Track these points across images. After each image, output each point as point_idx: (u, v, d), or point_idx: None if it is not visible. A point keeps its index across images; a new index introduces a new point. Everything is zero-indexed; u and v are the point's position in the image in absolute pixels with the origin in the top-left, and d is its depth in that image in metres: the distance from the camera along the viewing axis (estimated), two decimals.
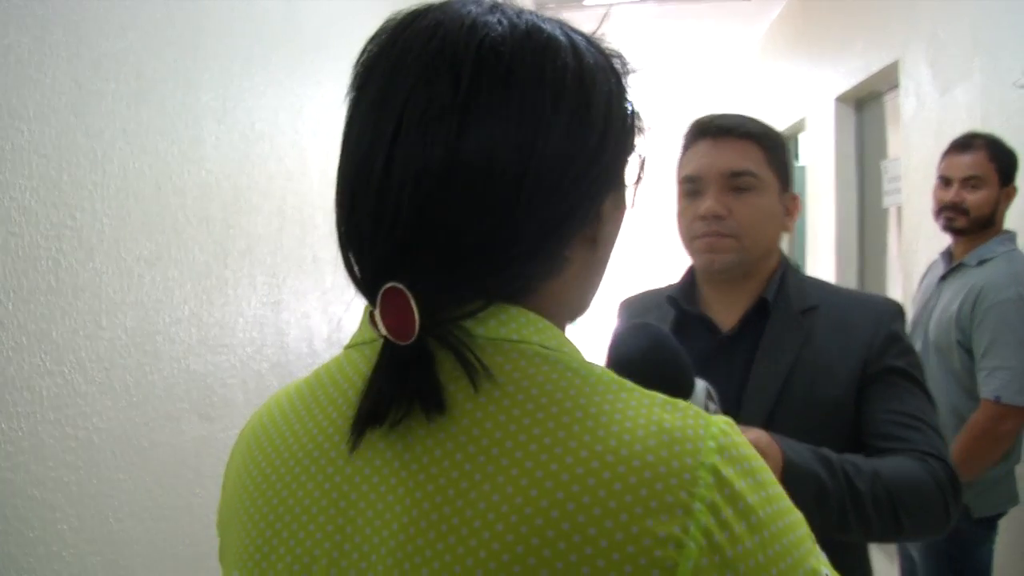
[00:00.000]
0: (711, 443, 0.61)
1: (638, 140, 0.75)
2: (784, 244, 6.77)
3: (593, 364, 0.68)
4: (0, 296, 1.28)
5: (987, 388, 2.51)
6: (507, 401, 0.63)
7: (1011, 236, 2.72)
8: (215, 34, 1.98)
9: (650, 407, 0.64)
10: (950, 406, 2.64)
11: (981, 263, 2.64)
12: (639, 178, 0.77)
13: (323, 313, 2.82)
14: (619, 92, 0.73)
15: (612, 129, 0.69)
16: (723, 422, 0.64)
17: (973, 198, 2.67)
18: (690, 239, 1.53)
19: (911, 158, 3.99)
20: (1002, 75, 3.15)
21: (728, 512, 0.60)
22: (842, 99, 5.13)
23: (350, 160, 0.68)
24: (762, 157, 1.49)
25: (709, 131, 1.52)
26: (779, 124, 6.63)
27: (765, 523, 0.61)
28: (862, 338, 1.44)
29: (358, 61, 0.70)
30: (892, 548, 3.74)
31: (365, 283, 0.66)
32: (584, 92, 0.67)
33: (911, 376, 1.44)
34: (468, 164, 0.62)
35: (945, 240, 2.91)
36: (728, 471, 0.61)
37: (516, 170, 0.63)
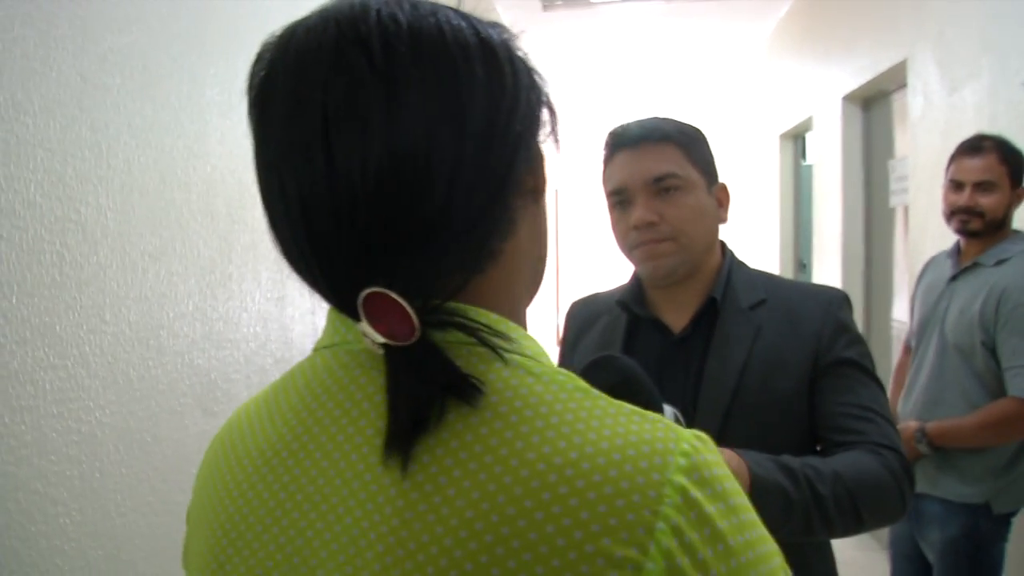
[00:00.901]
0: (681, 460, 0.58)
1: (544, 87, 0.74)
2: (789, 243, 6.79)
3: (556, 368, 0.66)
4: (4, 290, 1.28)
5: (1017, 386, 2.51)
6: (463, 408, 0.61)
7: (1023, 235, 2.72)
8: (220, 29, 1.98)
9: (616, 416, 0.61)
10: (973, 408, 2.64)
11: (999, 263, 2.64)
12: (555, 122, 0.75)
13: (327, 309, 2.81)
14: (510, 43, 0.71)
15: (520, 73, 0.69)
16: (695, 437, 0.61)
17: (987, 201, 2.67)
18: (629, 249, 1.54)
19: (918, 158, 3.97)
20: (1010, 75, 3.14)
21: (694, 536, 0.56)
22: (849, 98, 5.11)
23: (282, 175, 0.64)
24: (682, 156, 1.51)
25: (625, 141, 1.53)
26: (786, 123, 6.62)
27: (735, 552, 0.58)
28: (811, 329, 1.46)
29: (251, 87, 0.67)
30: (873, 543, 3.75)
31: (340, 297, 0.63)
32: (485, 43, 0.66)
33: (861, 367, 1.46)
34: (407, 137, 0.60)
35: (951, 240, 2.90)
36: (697, 492, 0.57)
37: (453, 130, 0.62)
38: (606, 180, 1.57)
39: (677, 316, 1.55)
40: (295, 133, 0.62)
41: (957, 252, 2.84)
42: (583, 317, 1.72)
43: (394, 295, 0.59)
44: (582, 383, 0.64)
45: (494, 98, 0.65)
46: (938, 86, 3.76)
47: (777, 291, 1.53)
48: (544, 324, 10.94)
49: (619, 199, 1.53)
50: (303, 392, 0.69)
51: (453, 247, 0.63)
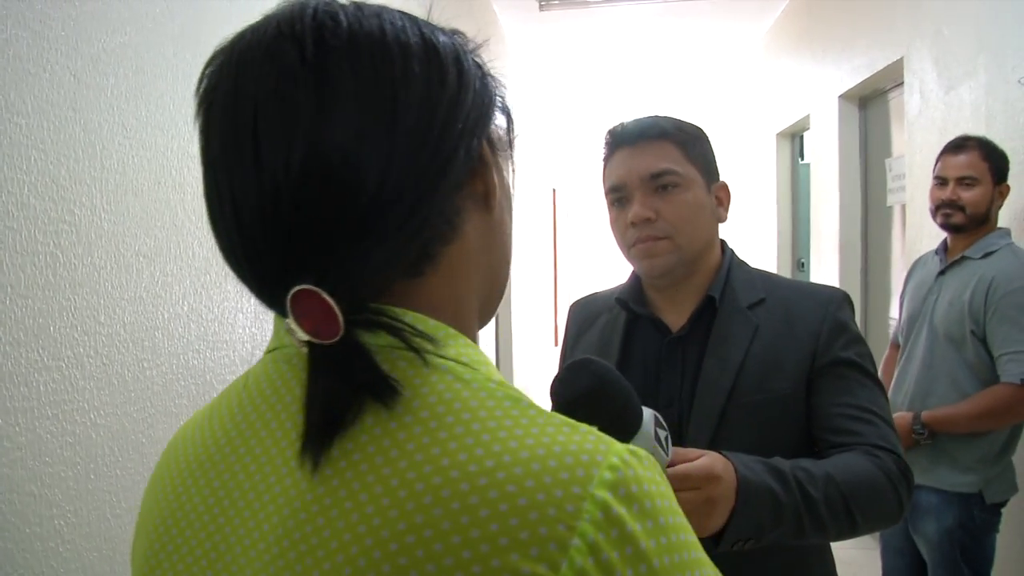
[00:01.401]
0: (607, 474, 0.55)
1: (499, 94, 0.73)
2: (787, 242, 6.79)
3: (491, 376, 0.64)
4: None
5: (1010, 372, 2.56)
6: (384, 412, 0.59)
7: (1008, 231, 2.81)
8: (214, 30, 1.98)
9: (543, 426, 0.58)
10: (965, 397, 2.69)
11: (986, 255, 2.71)
12: (511, 136, 0.75)
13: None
14: (463, 48, 0.70)
15: (467, 75, 0.67)
16: (626, 451, 0.57)
17: (969, 195, 2.76)
18: (627, 247, 1.54)
19: (915, 156, 3.98)
20: (1007, 73, 3.14)
21: (613, 555, 0.53)
22: (846, 97, 5.12)
23: (218, 171, 0.63)
24: (680, 154, 1.50)
25: (624, 139, 1.53)
26: (784, 122, 6.62)
27: (659, 573, 0.54)
28: (809, 329, 1.45)
29: (197, 90, 0.66)
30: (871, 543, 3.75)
31: (269, 293, 0.62)
32: (428, 43, 0.65)
33: (861, 367, 1.45)
34: (336, 134, 0.59)
35: (941, 239, 2.96)
36: (620, 509, 0.54)
37: (384, 127, 0.61)
38: (605, 178, 1.57)
39: (676, 315, 1.55)
40: (229, 128, 0.62)
41: (944, 249, 2.93)
42: (583, 316, 1.72)
43: (322, 293, 0.57)
44: (515, 392, 0.61)
45: (432, 94, 0.63)
46: (935, 85, 3.77)
47: (776, 290, 1.52)
48: (542, 325, 10.95)
49: (617, 196, 1.53)
50: (241, 395, 0.68)
51: (383, 247, 0.61)
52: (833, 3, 5.33)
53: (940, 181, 2.85)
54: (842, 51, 5.09)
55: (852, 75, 4.89)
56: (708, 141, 1.58)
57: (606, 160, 1.57)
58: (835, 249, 5.29)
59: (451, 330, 0.66)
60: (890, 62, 4.29)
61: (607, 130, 1.58)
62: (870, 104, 5.07)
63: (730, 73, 8.84)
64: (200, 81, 0.66)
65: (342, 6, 0.65)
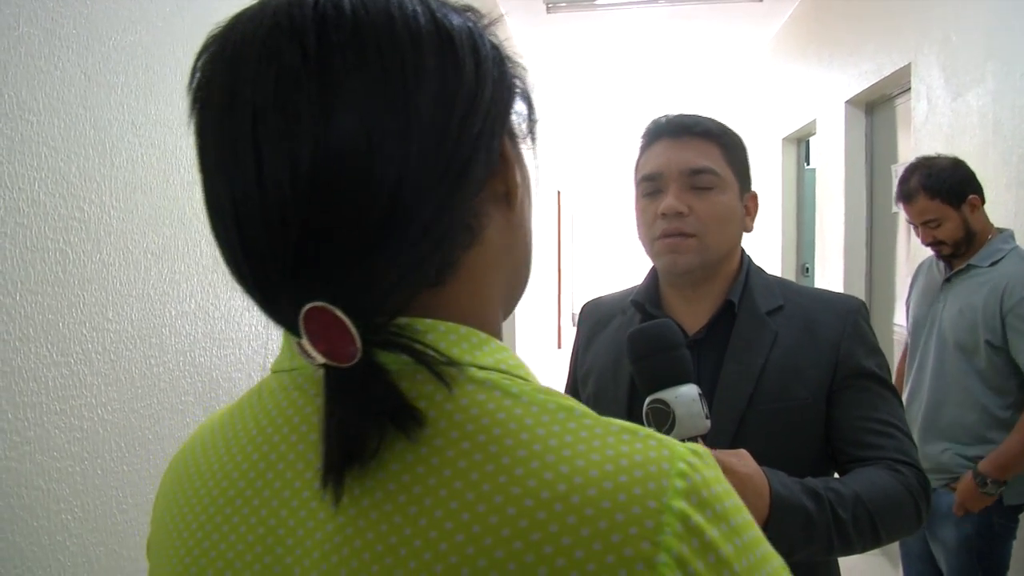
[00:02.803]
0: (678, 482, 0.53)
1: (518, 81, 0.68)
2: (792, 247, 6.79)
3: (537, 385, 0.60)
4: (7, 287, 1.28)
5: None
6: (428, 429, 0.56)
7: (1011, 234, 2.78)
8: None
9: (603, 436, 0.55)
10: (978, 406, 2.67)
11: (994, 263, 2.68)
12: (532, 123, 0.70)
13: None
14: (478, 31, 0.64)
15: (484, 64, 0.62)
16: (690, 454, 0.55)
17: (940, 232, 2.79)
18: (651, 240, 1.51)
19: None
20: (1015, 79, 3.14)
21: (699, 565, 0.51)
22: (853, 102, 5.11)
23: (216, 179, 0.59)
24: (721, 156, 1.49)
25: (668, 130, 1.51)
26: (790, 126, 6.62)
27: None
28: (829, 338, 1.45)
29: (189, 86, 0.61)
30: (896, 553, 3.73)
31: (279, 311, 0.58)
32: (442, 30, 0.60)
33: (881, 379, 1.45)
34: (343, 138, 0.54)
35: None
36: (698, 517, 0.52)
37: (396, 128, 0.55)
38: (641, 166, 1.54)
39: (692, 318, 1.53)
40: (226, 133, 0.57)
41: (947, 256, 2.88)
42: (596, 318, 1.70)
43: (336, 311, 0.53)
44: (565, 400, 0.58)
45: (448, 92, 0.58)
46: (942, 91, 3.76)
47: (794, 297, 1.51)
48: (546, 329, 10.94)
49: (651, 186, 1.50)
50: (260, 419, 0.64)
51: (402, 258, 0.56)
52: (840, 8, 5.33)
53: (912, 224, 2.91)
54: (849, 56, 5.09)
55: (859, 80, 4.88)
56: (747, 151, 1.57)
57: (643, 148, 1.55)
58: (840, 254, 5.29)
59: (483, 335, 0.62)
60: (897, 68, 4.29)
61: (651, 120, 1.55)
62: (877, 110, 5.07)
63: (737, 77, 8.84)
64: (192, 73, 0.61)
65: None
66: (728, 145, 1.51)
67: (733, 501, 0.56)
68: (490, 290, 0.66)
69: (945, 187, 2.77)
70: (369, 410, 0.54)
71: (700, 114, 1.54)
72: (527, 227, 0.71)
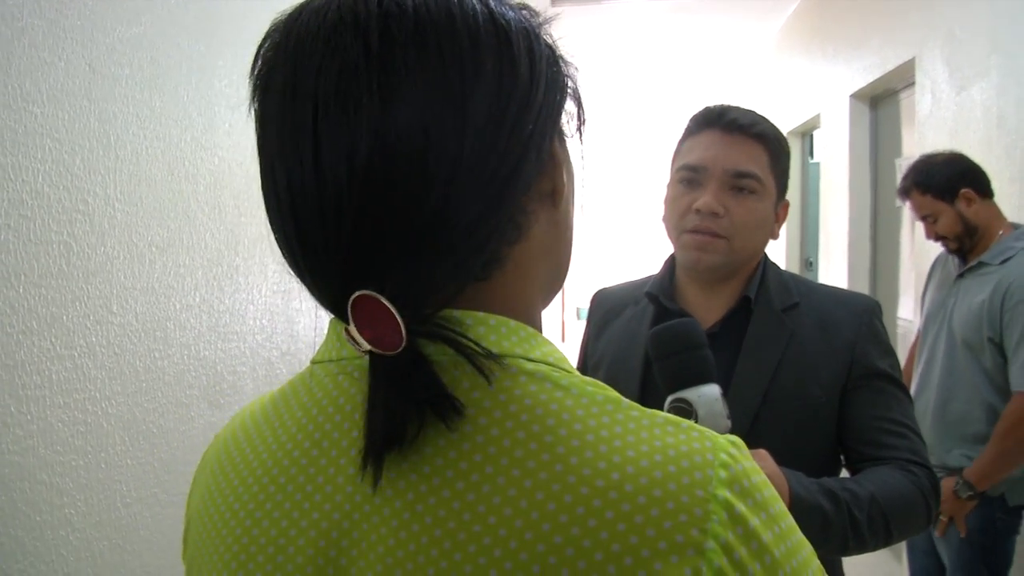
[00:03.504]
0: (722, 472, 0.56)
1: (569, 81, 0.69)
2: (796, 241, 6.78)
3: (584, 378, 0.62)
4: (11, 280, 1.28)
5: (1021, 380, 2.52)
6: (484, 419, 0.58)
7: None
8: (229, 21, 1.98)
9: (650, 428, 0.58)
10: (984, 404, 2.68)
11: (1004, 261, 2.67)
12: (581, 120, 0.71)
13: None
14: (534, 31, 0.65)
15: (539, 65, 0.63)
16: (730, 445, 0.58)
17: (940, 227, 2.82)
18: (679, 231, 1.49)
19: None
20: (1019, 74, 3.13)
21: (742, 551, 0.54)
22: (857, 96, 5.10)
23: (275, 167, 0.61)
24: (767, 161, 1.47)
25: (720, 123, 1.48)
26: (794, 120, 6.61)
27: (780, 563, 0.56)
28: (845, 337, 1.44)
29: (252, 72, 0.63)
30: (900, 548, 3.73)
31: (330, 297, 0.60)
32: (500, 30, 0.61)
33: (894, 379, 1.45)
34: (400, 132, 0.56)
35: None
36: (741, 506, 0.55)
37: (452, 125, 0.57)
38: (683, 152, 1.52)
39: (707, 312, 1.52)
40: (287, 122, 0.59)
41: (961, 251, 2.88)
42: (608, 307, 1.69)
43: (384, 300, 0.55)
44: (611, 393, 0.60)
45: (503, 92, 0.60)
46: (947, 85, 3.75)
47: (810, 295, 1.51)
48: (548, 322, 10.93)
49: (691, 176, 1.48)
50: (308, 406, 0.65)
51: (451, 252, 0.58)
52: (845, 2, 5.32)
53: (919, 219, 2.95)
54: (854, 50, 5.07)
55: (863, 74, 4.87)
56: (790, 157, 1.55)
57: (691, 133, 1.52)
58: (844, 248, 5.28)
59: (530, 329, 0.64)
60: (902, 62, 4.28)
61: (704, 107, 1.53)
62: (881, 104, 5.06)
63: (741, 71, 8.83)
64: (255, 60, 0.63)
65: None
66: (776, 151, 1.49)
67: (770, 491, 0.59)
68: (533, 285, 0.68)
69: (935, 182, 2.80)
70: (411, 397, 0.56)
71: (754, 111, 1.51)
72: (570, 225, 0.73)
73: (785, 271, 1.58)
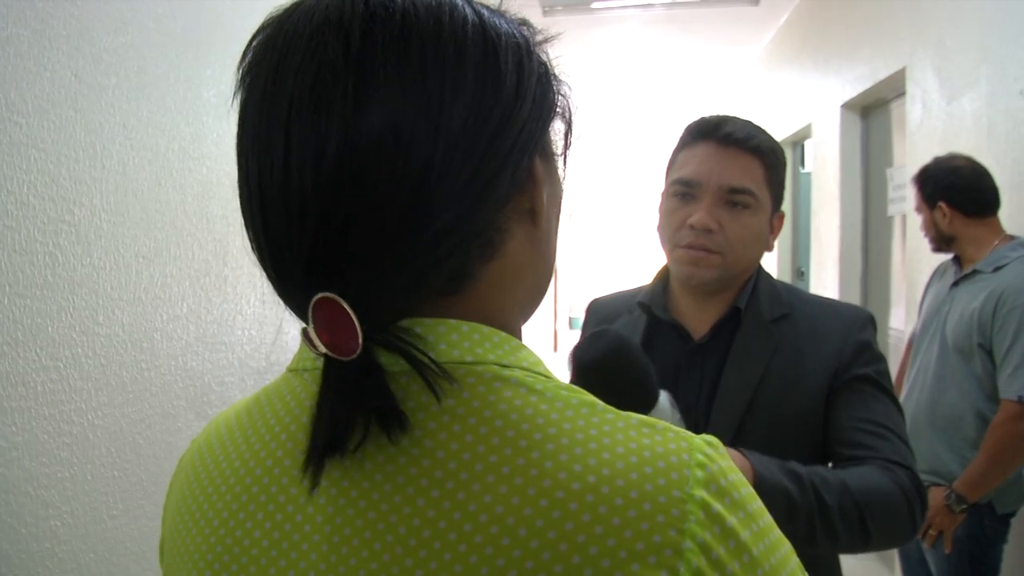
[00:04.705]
0: (698, 472, 0.55)
1: (560, 100, 0.68)
2: (787, 251, 6.79)
3: (559, 382, 0.62)
4: None
5: (1010, 388, 2.54)
6: (458, 426, 0.57)
7: (1021, 241, 2.79)
8: (217, 30, 1.98)
9: (626, 430, 0.57)
10: (974, 410, 2.69)
11: (997, 269, 2.71)
12: (568, 143, 0.70)
13: None
14: (528, 48, 0.65)
15: (526, 83, 0.62)
16: (706, 445, 0.58)
17: (921, 223, 3.00)
18: (673, 244, 1.48)
19: (916, 166, 3.97)
20: (1009, 83, 3.14)
21: (720, 551, 0.54)
22: (848, 106, 5.12)
23: (248, 162, 0.60)
24: (763, 175, 1.45)
25: (716, 135, 1.46)
26: (785, 130, 6.63)
27: (759, 561, 0.56)
28: (832, 346, 1.43)
29: (243, 61, 0.62)
30: (892, 557, 3.73)
31: (292, 297, 0.59)
32: (488, 43, 0.60)
33: (878, 384, 1.42)
34: (370, 133, 0.55)
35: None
36: (718, 505, 0.55)
37: (425, 133, 0.56)
38: (678, 164, 1.50)
39: (699, 322, 1.52)
40: (264, 118, 0.59)
41: (958, 260, 2.93)
42: (602, 315, 1.68)
43: (345, 305, 0.54)
44: (587, 397, 0.60)
45: (484, 106, 0.59)
46: (937, 95, 3.76)
47: (802, 306, 1.50)
48: (541, 332, 10.95)
49: (684, 190, 1.46)
50: (280, 414, 0.65)
51: (415, 261, 0.57)
52: (836, 12, 5.34)
53: None
54: (844, 60, 5.09)
55: (854, 84, 4.89)
56: (786, 167, 1.54)
57: (686, 144, 1.50)
58: (835, 258, 5.29)
59: (504, 334, 0.63)
60: (892, 72, 4.29)
61: (700, 117, 1.51)
62: (872, 114, 5.08)
63: (732, 81, 8.86)
64: (244, 52, 0.63)
65: None
66: (772, 164, 1.47)
67: (748, 489, 0.59)
68: (509, 302, 0.67)
69: (923, 183, 2.95)
70: (358, 406, 0.56)
71: (751, 122, 1.49)
72: (552, 244, 0.72)
73: (780, 282, 1.57)
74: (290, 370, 0.68)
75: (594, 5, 6.02)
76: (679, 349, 1.52)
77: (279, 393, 0.67)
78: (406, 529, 0.55)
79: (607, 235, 17.95)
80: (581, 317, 1.81)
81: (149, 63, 1.69)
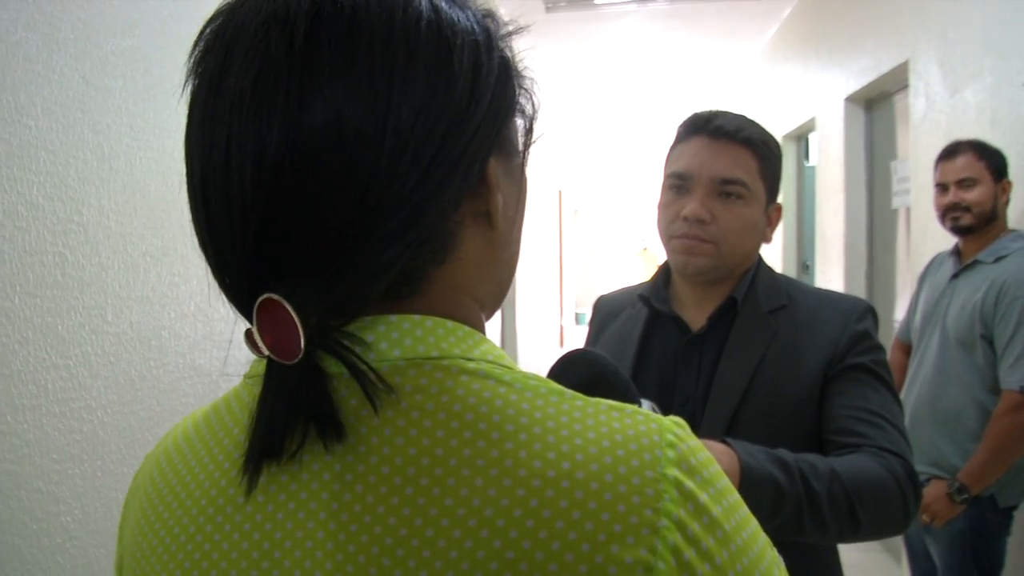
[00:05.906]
0: (669, 452, 0.56)
1: (523, 100, 0.66)
2: (792, 244, 6.78)
3: (525, 372, 0.61)
4: (7, 290, 1.29)
5: (1012, 378, 2.55)
6: (428, 422, 0.56)
7: (1022, 234, 2.79)
8: None
9: (595, 415, 0.57)
10: (975, 401, 2.69)
11: (998, 259, 2.71)
12: (528, 143, 0.68)
13: None
14: (488, 44, 0.62)
15: (483, 83, 0.60)
16: (675, 426, 0.58)
17: (971, 196, 2.79)
18: (668, 236, 1.52)
19: (920, 159, 3.97)
20: (1012, 75, 3.14)
21: (695, 527, 0.54)
22: (852, 99, 5.11)
23: (193, 157, 0.59)
24: (756, 167, 1.48)
25: (707, 129, 1.49)
26: (789, 124, 6.62)
27: (731, 536, 0.56)
28: (829, 335, 1.44)
29: (194, 49, 0.60)
30: (899, 550, 3.73)
31: (238, 298, 0.57)
32: (443, 41, 0.58)
33: (875, 373, 1.42)
34: (313, 133, 0.53)
35: (952, 241, 2.96)
36: (690, 483, 0.55)
37: (371, 134, 0.54)
38: (672, 159, 1.53)
39: (697, 314, 1.54)
40: (208, 113, 0.57)
41: (957, 252, 2.93)
42: (607, 311, 1.72)
43: (288, 307, 0.53)
44: (554, 385, 0.60)
45: (434, 107, 0.56)
46: (940, 87, 3.76)
47: (800, 297, 1.51)
48: (548, 326, 10.95)
49: (678, 183, 1.50)
50: (247, 426, 0.61)
51: (362, 266, 0.55)
52: (839, 5, 5.33)
53: (941, 188, 2.89)
54: (848, 53, 5.09)
55: (858, 77, 4.89)
56: (781, 160, 1.56)
57: (679, 140, 1.54)
58: (840, 252, 5.28)
59: (467, 328, 0.62)
60: (895, 64, 4.29)
61: (692, 113, 1.54)
62: (876, 107, 5.07)
63: (736, 75, 8.84)
64: (197, 40, 0.60)
65: None
66: (764, 156, 1.50)
67: (715, 467, 0.59)
68: (467, 302, 0.65)
69: (995, 156, 2.82)
70: (296, 411, 0.55)
71: (743, 116, 1.52)
72: (512, 244, 0.70)
73: (781, 275, 1.59)
74: (247, 377, 0.66)
75: (597, 0, 6.02)
76: (678, 340, 1.54)
77: (239, 402, 0.65)
78: (382, 529, 0.54)
79: (612, 231, 17.93)
80: (587, 313, 1.83)
81: (155, 65, 1.70)
